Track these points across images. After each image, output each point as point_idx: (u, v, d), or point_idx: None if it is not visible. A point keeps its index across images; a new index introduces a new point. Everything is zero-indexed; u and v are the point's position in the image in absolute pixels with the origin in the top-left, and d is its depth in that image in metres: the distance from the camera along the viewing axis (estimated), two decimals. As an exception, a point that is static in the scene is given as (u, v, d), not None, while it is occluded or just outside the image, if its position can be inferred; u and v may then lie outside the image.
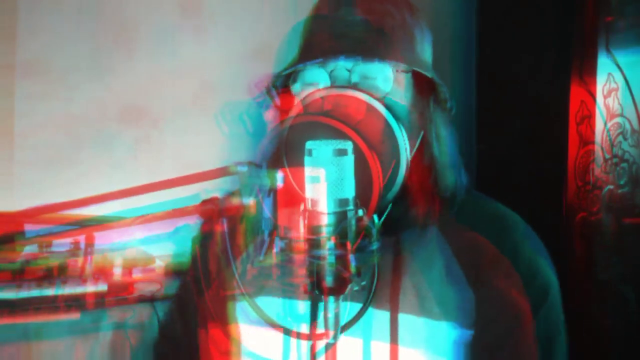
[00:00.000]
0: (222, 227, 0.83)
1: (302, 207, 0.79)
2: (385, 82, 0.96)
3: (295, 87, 1.00)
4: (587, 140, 2.33)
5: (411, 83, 0.99)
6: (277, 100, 1.04)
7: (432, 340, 0.94)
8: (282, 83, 1.03)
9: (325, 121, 0.84)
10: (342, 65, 0.95)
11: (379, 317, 0.94)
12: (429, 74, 0.97)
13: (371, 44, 0.95)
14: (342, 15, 0.98)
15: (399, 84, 0.97)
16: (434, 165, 0.99)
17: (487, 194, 1.07)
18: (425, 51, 1.03)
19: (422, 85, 0.99)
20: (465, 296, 0.96)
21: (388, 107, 0.92)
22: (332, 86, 0.95)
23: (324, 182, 0.77)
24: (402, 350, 0.94)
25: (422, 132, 0.99)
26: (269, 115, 1.05)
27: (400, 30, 0.98)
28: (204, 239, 1.08)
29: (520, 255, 0.98)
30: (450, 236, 0.99)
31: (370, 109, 0.91)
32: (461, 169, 1.03)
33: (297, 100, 1.00)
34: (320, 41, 0.97)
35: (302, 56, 0.98)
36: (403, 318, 0.95)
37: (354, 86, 0.95)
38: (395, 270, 0.96)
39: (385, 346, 0.94)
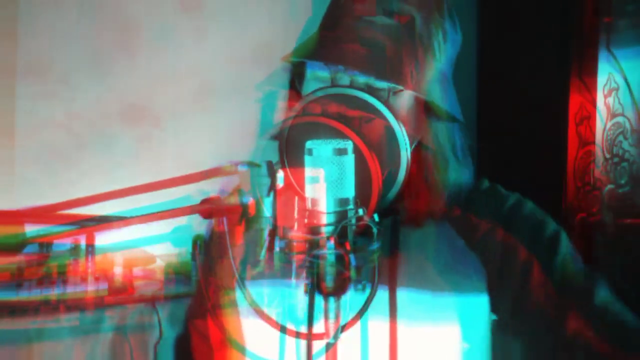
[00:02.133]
0: (222, 226, 0.84)
1: (302, 206, 0.80)
2: (388, 93, 0.96)
3: (306, 75, 1.00)
4: (586, 141, 2.33)
5: (411, 99, 0.99)
6: (289, 86, 1.05)
7: (438, 311, 0.95)
8: (294, 67, 1.04)
9: (325, 121, 0.84)
10: (345, 71, 0.95)
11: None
12: (429, 97, 0.97)
13: (380, 62, 0.94)
14: (367, 10, 0.97)
15: (401, 98, 0.97)
16: (434, 162, 1.00)
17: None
18: (442, 59, 1.01)
19: (423, 104, 0.99)
20: (470, 263, 0.98)
21: (389, 107, 0.92)
22: (334, 85, 0.95)
23: (324, 183, 0.77)
24: (405, 325, 0.95)
25: (415, 142, 1.00)
26: (282, 101, 1.06)
27: (417, 40, 0.97)
28: (205, 238, 1.09)
29: (518, 216, 1.01)
30: (453, 221, 1.01)
31: (372, 109, 0.91)
32: (466, 166, 1.04)
33: (301, 91, 1.00)
34: (333, 40, 0.96)
35: (313, 51, 0.98)
36: (403, 293, 0.96)
37: (356, 86, 0.95)
38: (393, 249, 0.97)
39: (385, 322, 0.95)
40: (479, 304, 0.99)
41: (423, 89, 0.96)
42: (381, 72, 0.93)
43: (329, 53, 0.95)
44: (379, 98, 0.92)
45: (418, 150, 0.99)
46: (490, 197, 1.06)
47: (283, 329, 0.89)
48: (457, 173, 1.03)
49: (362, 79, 0.95)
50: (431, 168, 1.00)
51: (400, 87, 0.95)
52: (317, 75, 0.98)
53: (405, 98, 0.97)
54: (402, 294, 0.96)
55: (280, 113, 1.03)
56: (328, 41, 0.97)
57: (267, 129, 1.01)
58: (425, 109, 1.00)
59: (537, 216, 1.03)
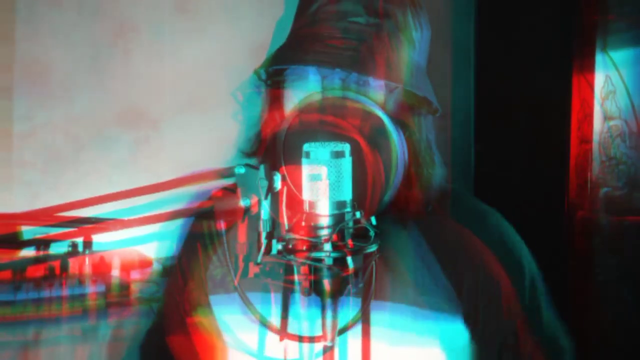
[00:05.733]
0: (220, 228, 0.84)
1: (300, 209, 0.79)
2: (376, 92, 0.96)
3: (288, 80, 0.99)
4: (587, 139, 2.34)
5: (400, 92, 0.98)
6: (266, 89, 1.03)
7: (412, 324, 0.96)
8: (274, 73, 1.02)
9: (329, 123, 0.84)
10: (337, 74, 0.94)
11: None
12: (417, 90, 0.97)
13: (366, 59, 0.93)
14: (343, 11, 0.96)
15: (388, 94, 0.97)
16: (417, 165, 1.00)
17: (486, 193, 1.09)
18: (421, 54, 1.02)
19: (410, 97, 0.99)
20: (442, 284, 0.98)
21: (386, 112, 0.92)
22: (329, 89, 0.95)
23: (326, 180, 0.77)
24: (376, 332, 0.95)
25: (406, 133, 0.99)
26: (263, 101, 1.05)
27: (400, 34, 0.97)
28: (195, 238, 1.08)
29: (495, 238, 1.01)
30: (426, 230, 1.01)
31: (368, 112, 0.91)
32: (439, 168, 1.04)
33: (287, 93, 0.99)
34: (315, 39, 0.96)
35: (296, 51, 0.97)
36: (376, 304, 0.96)
37: (350, 91, 0.94)
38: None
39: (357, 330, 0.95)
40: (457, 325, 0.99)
41: (409, 82, 0.96)
42: (371, 68, 0.93)
43: (317, 52, 0.94)
44: (375, 101, 0.92)
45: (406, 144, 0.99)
46: (462, 209, 1.05)
47: (281, 332, 0.89)
48: (435, 168, 1.03)
49: (352, 79, 0.94)
50: (417, 162, 1.00)
51: (394, 85, 0.95)
52: (304, 79, 0.97)
53: (397, 93, 0.97)
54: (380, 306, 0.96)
55: (261, 121, 1.02)
56: (310, 40, 0.96)
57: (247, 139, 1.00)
58: (411, 103, 0.99)
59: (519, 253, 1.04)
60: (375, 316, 0.94)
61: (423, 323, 0.96)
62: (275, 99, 1.01)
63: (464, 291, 0.98)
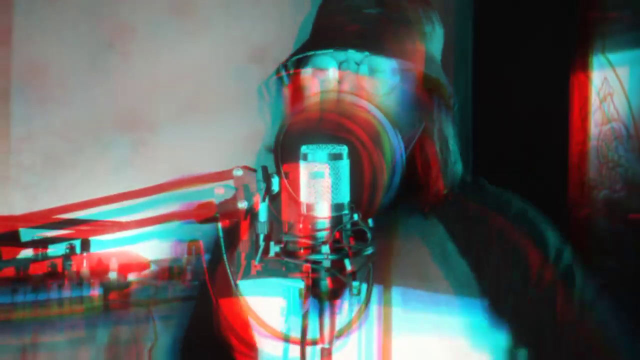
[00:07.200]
0: (218, 230, 0.84)
1: (298, 211, 0.79)
2: (392, 76, 0.97)
3: (306, 71, 1.01)
4: (585, 142, 2.35)
5: (415, 80, 1.00)
6: (288, 82, 1.05)
7: (434, 308, 0.96)
8: (294, 65, 1.04)
9: (327, 124, 0.84)
10: (351, 58, 0.96)
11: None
12: (433, 74, 0.98)
13: (381, 39, 0.96)
14: (351, 4, 0.99)
15: (404, 80, 0.98)
16: (435, 160, 1.00)
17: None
18: (434, 48, 1.04)
19: (427, 82, 1.00)
20: (463, 270, 0.98)
21: (387, 109, 0.92)
22: (329, 90, 0.96)
23: (328, 178, 0.77)
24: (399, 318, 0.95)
25: (421, 129, 1.00)
26: (284, 95, 1.06)
27: (411, 25, 0.99)
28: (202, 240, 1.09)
29: (519, 217, 1.02)
30: (448, 220, 1.01)
31: (367, 113, 0.91)
32: (460, 153, 1.05)
33: (307, 84, 1.00)
34: (332, 29, 0.98)
35: (313, 42, 0.99)
36: (397, 291, 0.96)
37: (351, 91, 0.95)
38: (389, 249, 0.98)
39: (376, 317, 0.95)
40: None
41: (422, 65, 0.98)
42: (386, 48, 0.94)
43: (333, 38, 0.96)
44: (375, 98, 0.93)
45: (423, 135, 1.00)
46: (493, 199, 1.06)
47: (279, 334, 0.89)
48: (456, 159, 1.04)
49: (365, 66, 0.95)
50: (434, 154, 1.00)
51: (408, 64, 0.96)
52: (320, 71, 0.98)
53: (410, 79, 0.98)
54: (397, 293, 0.97)
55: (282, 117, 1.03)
56: (327, 30, 0.99)
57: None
58: (428, 92, 1.00)
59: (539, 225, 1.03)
60: (394, 301, 0.94)
61: (443, 307, 0.96)
62: (296, 95, 1.02)
63: (486, 268, 0.98)
